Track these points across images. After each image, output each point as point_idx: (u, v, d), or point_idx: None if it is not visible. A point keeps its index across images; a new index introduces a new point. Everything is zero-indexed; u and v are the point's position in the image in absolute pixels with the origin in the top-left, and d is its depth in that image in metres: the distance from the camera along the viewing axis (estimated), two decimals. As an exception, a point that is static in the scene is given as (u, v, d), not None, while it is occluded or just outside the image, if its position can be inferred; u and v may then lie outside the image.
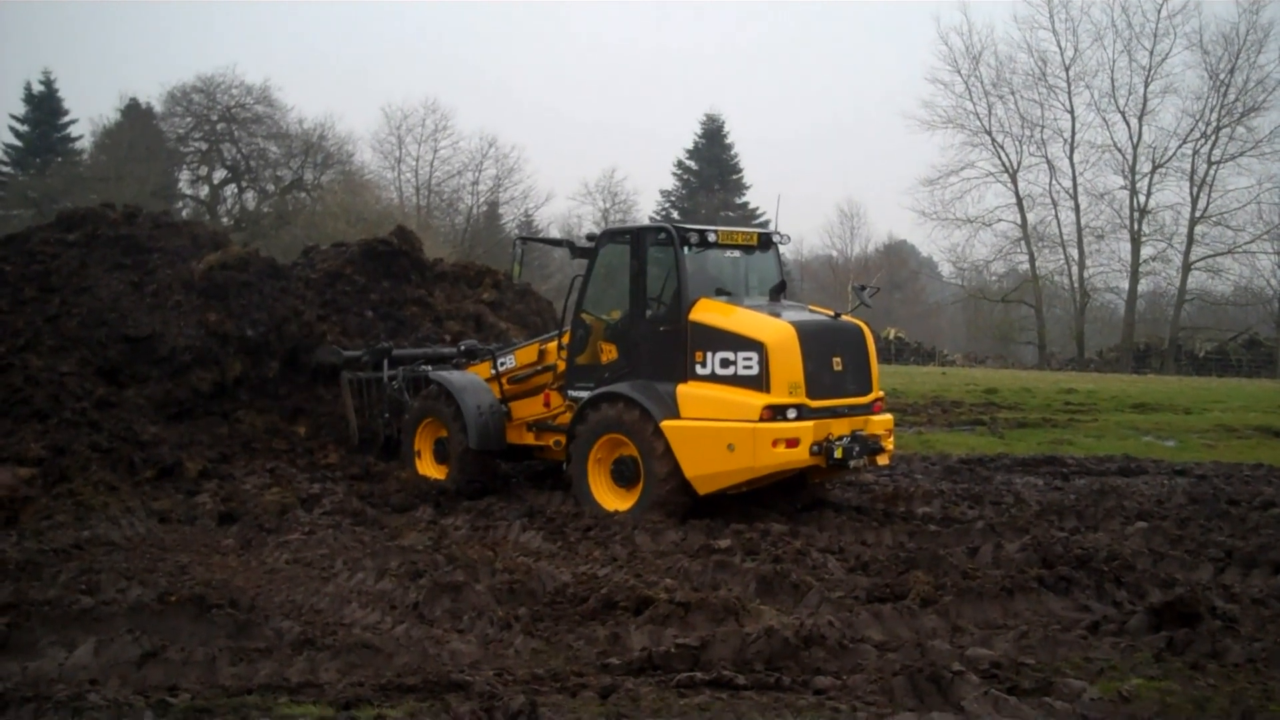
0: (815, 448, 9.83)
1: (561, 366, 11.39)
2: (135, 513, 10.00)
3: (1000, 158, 52.31)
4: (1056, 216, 52.02)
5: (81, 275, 13.08)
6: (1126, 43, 50.20)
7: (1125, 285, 50.64)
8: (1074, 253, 51.33)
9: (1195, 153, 49.03)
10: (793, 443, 9.73)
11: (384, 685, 5.59)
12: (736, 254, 11.04)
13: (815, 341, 10.06)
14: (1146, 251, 50.09)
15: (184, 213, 44.87)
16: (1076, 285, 51.06)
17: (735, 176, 64.46)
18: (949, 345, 57.72)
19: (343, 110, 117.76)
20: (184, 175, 50.07)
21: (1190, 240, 48.84)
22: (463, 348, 13.23)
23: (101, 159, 47.56)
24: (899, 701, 5.36)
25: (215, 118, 47.76)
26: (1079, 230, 51.02)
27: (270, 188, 49.53)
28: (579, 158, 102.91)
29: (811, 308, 11.07)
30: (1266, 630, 6.57)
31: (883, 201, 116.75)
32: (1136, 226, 49.53)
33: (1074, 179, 51.13)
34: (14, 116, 53.38)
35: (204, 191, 50.01)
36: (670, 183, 64.80)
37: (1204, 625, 6.40)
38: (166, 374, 12.43)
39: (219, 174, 49.47)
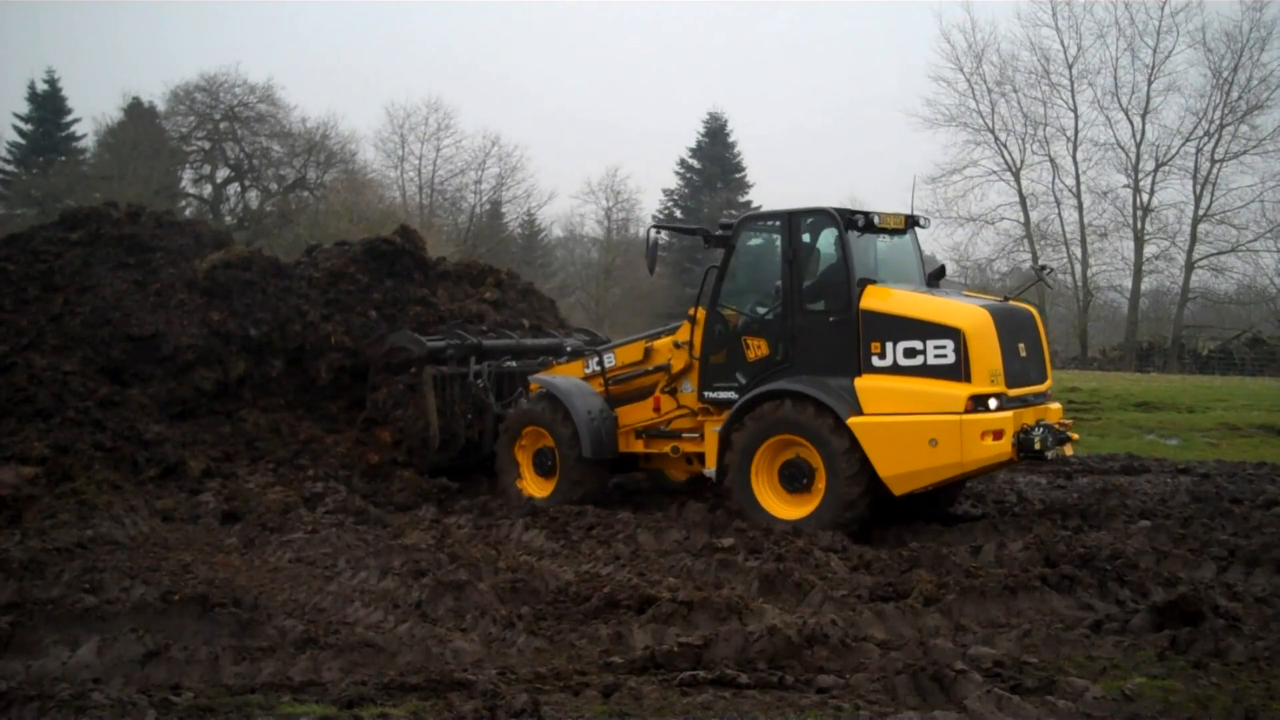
0: (1014, 439, 9.26)
1: (678, 365, 10.79)
2: (138, 511, 10.02)
3: (1003, 156, 52.23)
4: (1059, 215, 51.95)
5: (85, 274, 13.11)
6: (1129, 40, 50.08)
7: (1128, 284, 50.56)
8: (1077, 251, 51.25)
9: (1198, 151, 48.91)
10: (998, 435, 9.15)
11: (387, 684, 5.60)
12: (886, 238, 10.42)
13: (1005, 327, 9.52)
14: (1150, 250, 50.01)
15: (187, 212, 44.90)
16: (1079, 284, 50.98)
17: (738, 175, 64.39)
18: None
19: (345, 109, 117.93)
20: (187, 174, 50.04)
21: (1193, 239, 48.76)
22: (570, 348, 12.41)
23: (105, 158, 47.53)
24: (902, 700, 5.36)
25: (218, 116, 47.74)
26: (1082, 229, 50.94)
27: (273, 187, 49.52)
28: (581, 157, 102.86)
29: (967, 293, 10.51)
30: (1269, 629, 6.56)
31: (886, 199, 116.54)
32: (1139, 225, 49.45)
33: (1077, 177, 51.06)
34: (17, 115, 53.38)
35: (207, 190, 50.01)
36: (673, 181, 64.76)
37: (1207, 624, 6.39)
38: (169, 373, 12.45)
39: (222, 173, 49.45)
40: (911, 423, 9.21)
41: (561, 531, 9.87)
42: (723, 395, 10.32)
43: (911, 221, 10.68)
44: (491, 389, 12.16)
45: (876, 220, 10.01)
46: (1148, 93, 49.34)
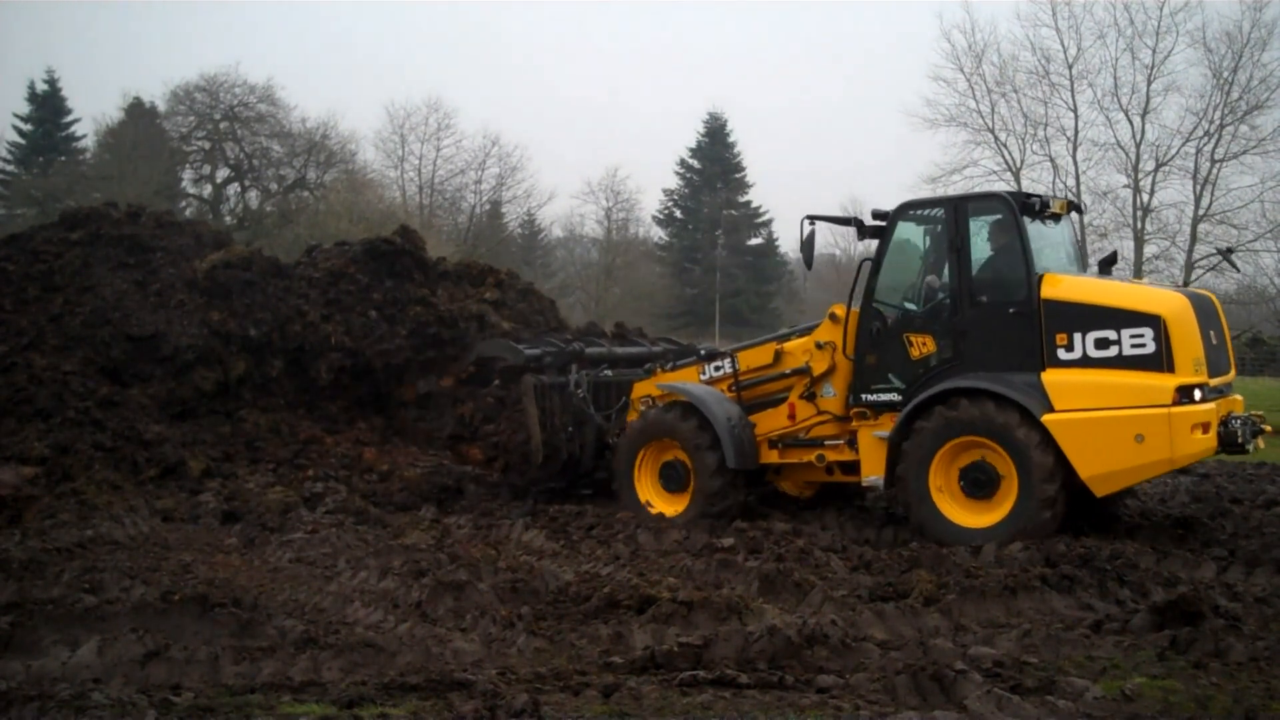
0: (1217, 432, 8.66)
1: (820, 368, 10.04)
2: (138, 512, 10.02)
3: (1003, 156, 52.01)
4: (1059, 215, 51.95)
5: (85, 274, 13.10)
6: (1129, 40, 49.90)
7: (1128, 283, 50.57)
8: (1077, 251, 51.27)
9: (1198, 151, 48.72)
10: (1205, 427, 8.54)
11: (387, 684, 5.59)
12: (1050, 223, 9.73)
13: (1201, 314, 8.94)
14: (1150, 250, 49.84)
15: (187, 212, 44.91)
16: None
17: (738, 175, 64.40)
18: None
19: (345, 109, 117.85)
20: (187, 174, 50.05)
21: (1194, 239, 48.66)
22: (704, 352, 11.44)
23: (105, 158, 47.55)
24: (902, 700, 5.35)
25: (218, 116, 47.75)
26: (1082, 228, 50.74)
27: (273, 187, 49.51)
28: (581, 157, 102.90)
29: (1135, 280, 10.14)
30: (1269, 629, 6.55)
31: (886, 199, 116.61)
32: (1140, 225, 49.42)
33: (1077, 177, 50.88)
34: (17, 115, 53.48)
35: (207, 190, 50.02)
36: (673, 181, 64.78)
37: (1207, 624, 6.39)
38: (169, 373, 12.45)
39: (222, 173, 49.46)
40: (1115, 418, 8.57)
41: (561, 531, 9.86)
42: (884, 397, 9.64)
43: (1072, 207, 10.11)
44: (590, 399, 11.48)
45: (1052, 205, 9.52)
46: (1147, 93, 49.21)
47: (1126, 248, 50.70)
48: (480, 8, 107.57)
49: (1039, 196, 9.48)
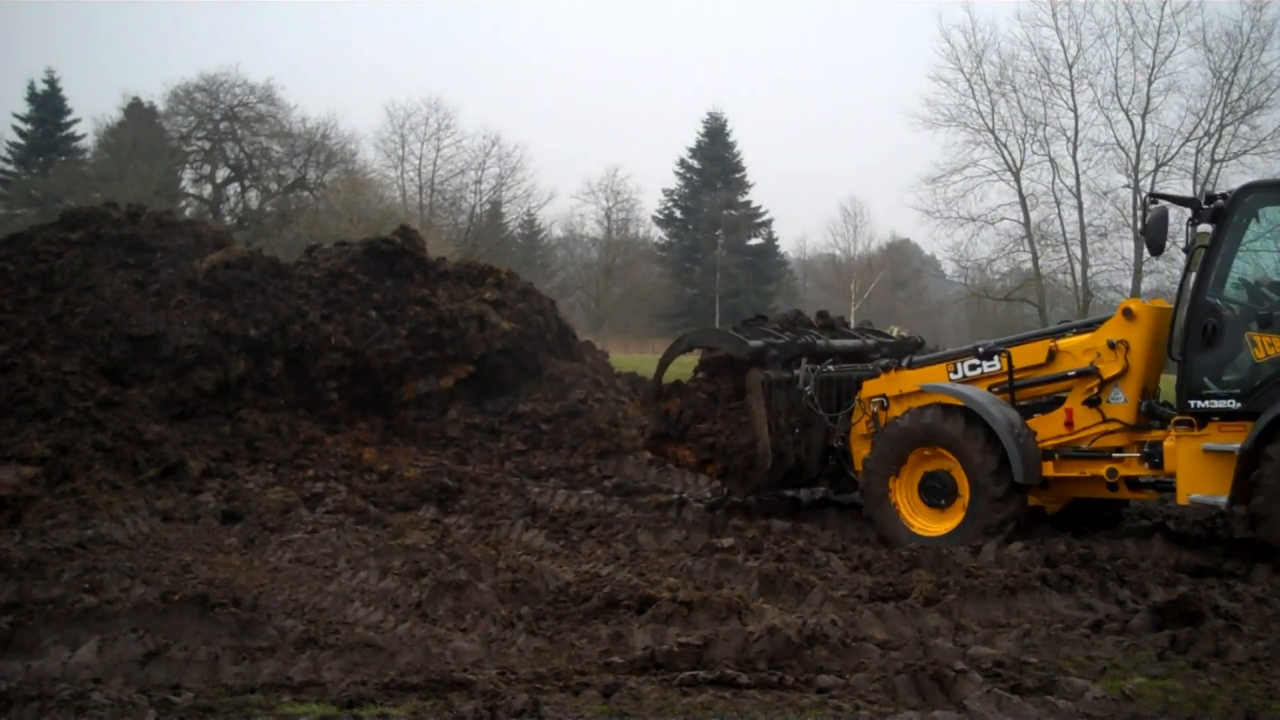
0: None
1: (1111, 370, 8.98)
2: (138, 511, 10.01)
3: (1003, 156, 52.08)
4: (1059, 215, 51.90)
5: (85, 274, 13.12)
6: (1130, 40, 49.97)
7: (1128, 284, 50.50)
8: (1077, 251, 51.15)
9: (1199, 151, 48.87)
10: None
11: (387, 684, 5.59)
12: None
13: None
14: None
15: (187, 212, 44.89)
16: (1079, 284, 50.96)
17: (738, 175, 64.42)
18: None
19: (346, 109, 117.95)
20: (187, 174, 50.12)
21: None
22: (981, 349, 9.84)
23: (105, 158, 47.59)
24: (902, 700, 5.35)
25: (218, 116, 47.79)
26: (1082, 229, 50.84)
27: (273, 187, 49.55)
28: (582, 157, 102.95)
29: None
30: (1269, 629, 6.55)
31: (885, 200, 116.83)
32: (1140, 225, 49.40)
33: (1077, 177, 50.97)
34: (17, 115, 53.48)
35: (207, 190, 50.07)
36: (673, 181, 64.79)
37: (1207, 624, 6.39)
38: (169, 373, 12.46)
39: (222, 173, 49.53)
40: None
41: (561, 531, 9.86)
42: (1218, 404, 8.49)
43: None
44: (816, 398, 10.38)
45: None
46: (1148, 93, 49.27)
47: (1126, 248, 50.76)
48: (480, 7, 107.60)
49: None
